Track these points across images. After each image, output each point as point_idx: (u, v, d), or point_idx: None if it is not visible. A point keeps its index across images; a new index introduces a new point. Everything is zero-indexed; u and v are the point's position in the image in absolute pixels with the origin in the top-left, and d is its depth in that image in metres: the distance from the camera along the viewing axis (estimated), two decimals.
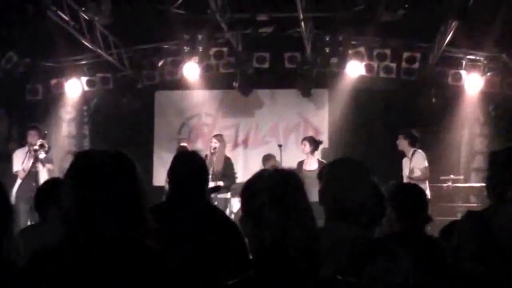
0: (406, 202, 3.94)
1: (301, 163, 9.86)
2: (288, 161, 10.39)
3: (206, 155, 9.33)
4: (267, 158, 10.93)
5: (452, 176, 10.05)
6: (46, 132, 9.78)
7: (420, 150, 9.23)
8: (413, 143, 9.20)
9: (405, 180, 9.03)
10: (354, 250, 2.44)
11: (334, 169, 2.86)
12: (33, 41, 9.91)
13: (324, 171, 2.97)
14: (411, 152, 9.18)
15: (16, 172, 9.16)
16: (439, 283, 2.84)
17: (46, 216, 3.95)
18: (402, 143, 9.23)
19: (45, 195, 3.97)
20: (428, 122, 10.54)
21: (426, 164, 9.14)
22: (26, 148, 9.38)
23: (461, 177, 10.68)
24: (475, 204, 10.09)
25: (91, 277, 2.12)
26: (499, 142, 10.35)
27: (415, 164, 9.11)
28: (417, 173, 9.04)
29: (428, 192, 8.93)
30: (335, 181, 2.65)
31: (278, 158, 10.63)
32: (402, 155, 9.45)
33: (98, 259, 2.14)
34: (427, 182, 9.13)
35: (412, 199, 4.03)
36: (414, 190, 4.17)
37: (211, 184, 9.35)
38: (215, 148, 9.77)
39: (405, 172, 9.17)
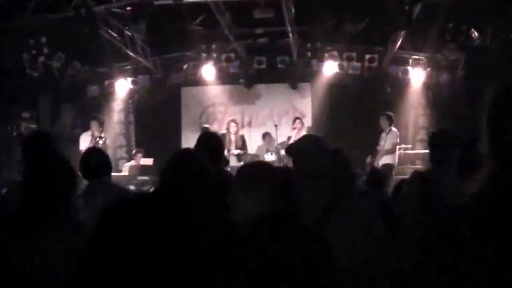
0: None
1: (290, 138, 9.81)
2: (281, 136, 10.46)
3: (223, 134, 9.45)
4: (265, 135, 10.96)
5: (403, 145, 9.78)
6: (104, 120, 9.94)
7: (394, 129, 9.14)
8: (391, 122, 9.14)
9: (379, 149, 9.01)
10: (319, 205, 2.31)
11: (299, 144, 2.75)
12: (91, 53, 9.89)
13: (294, 146, 2.86)
14: (388, 129, 9.09)
15: (83, 150, 8.71)
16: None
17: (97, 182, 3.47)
18: (383, 122, 9.10)
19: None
20: (384, 106, 10.23)
21: (398, 140, 9.04)
22: (89, 133, 9.49)
23: (410, 146, 10.40)
24: (419, 166, 10.22)
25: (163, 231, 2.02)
26: (436, 119, 10.42)
27: (389, 138, 9.02)
28: (388, 147, 8.98)
29: (396, 160, 9.01)
30: (300, 153, 2.51)
31: (274, 135, 10.64)
32: (371, 132, 9.40)
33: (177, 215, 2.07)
34: (396, 152, 9.06)
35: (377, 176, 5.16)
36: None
37: (235, 152, 9.69)
38: (228, 129, 10.05)
39: (381, 143, 9.08)
